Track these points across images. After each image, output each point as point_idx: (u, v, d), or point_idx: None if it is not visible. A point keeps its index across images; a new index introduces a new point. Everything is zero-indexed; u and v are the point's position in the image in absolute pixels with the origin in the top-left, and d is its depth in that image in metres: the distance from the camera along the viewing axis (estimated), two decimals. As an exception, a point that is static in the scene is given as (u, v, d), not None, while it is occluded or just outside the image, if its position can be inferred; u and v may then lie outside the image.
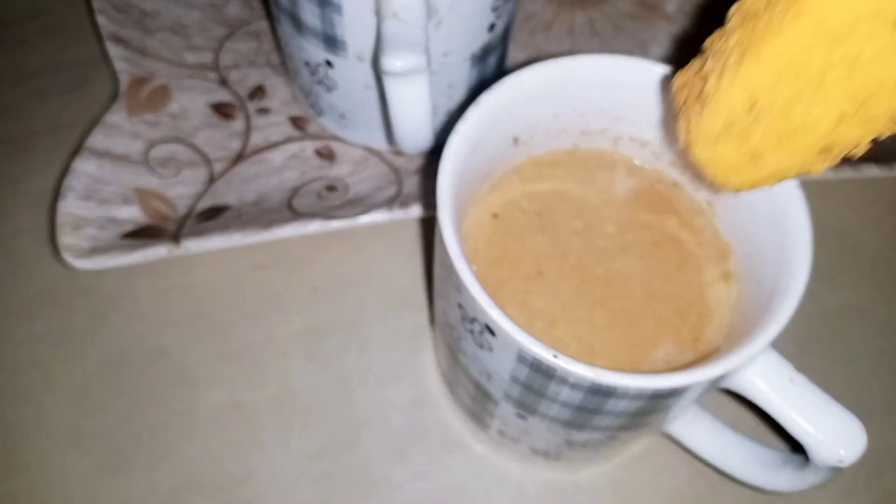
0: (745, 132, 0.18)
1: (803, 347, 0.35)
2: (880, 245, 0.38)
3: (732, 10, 0.18)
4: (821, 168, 0.19)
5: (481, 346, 0.22)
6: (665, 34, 0.44)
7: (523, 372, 0.21)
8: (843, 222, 0.38)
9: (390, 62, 0.25)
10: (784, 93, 0.17)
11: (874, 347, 0.35)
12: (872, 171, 0.37)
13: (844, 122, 0.18)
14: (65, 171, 0.34)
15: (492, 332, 0.21)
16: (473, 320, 0.21)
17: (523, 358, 0.20)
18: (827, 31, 0.16)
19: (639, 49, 0.43)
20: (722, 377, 0.21)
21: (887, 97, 0.17)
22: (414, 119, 0.27)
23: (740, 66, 0.17)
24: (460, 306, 0.22)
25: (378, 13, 0.27)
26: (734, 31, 0.18)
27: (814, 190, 0.22)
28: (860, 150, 0.18)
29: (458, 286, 0.21)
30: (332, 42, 0.31)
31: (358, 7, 0.28)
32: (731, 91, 0.17)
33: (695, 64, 0.20)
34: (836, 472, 0.23)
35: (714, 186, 0.21)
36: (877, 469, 0.32)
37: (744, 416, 0.31)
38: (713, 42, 0.19)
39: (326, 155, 0.38)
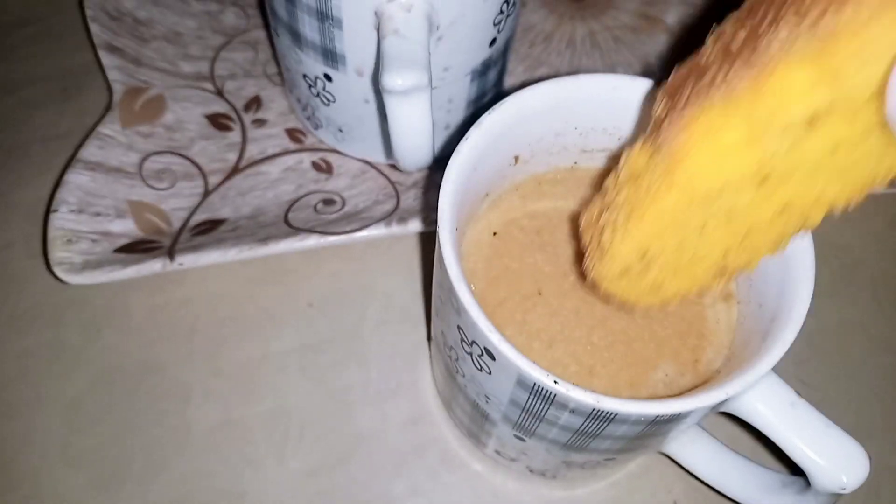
0: (642, 273, 0.20)
1: (802, 363, 0.35)
2: (881, 261, 0.38)
3: (622, 160, 0.20)
4: (719, 285, 0.21)
5: (480, 369, 0.22)
6: (666, 46, 0.44)
7: (523, 396, 0.21)
8: (844, 238, 0.38)
9: (391, 80, 0.24)
10: (670, 241, 0.19)
11: (874, 364, 0.35)
12: (873, 186, 0.37)
13: (730, 254, 0.19)
14: (58, 182, 0.34)
15: (492, 356, 0.21)
16: (473, 343, 0.21)
17: (523, 382, 0.20)
18: (699, 195, 0.18)
19: (639, 61, 0.43)
20: (723, 402, 0.21)
21: (764, 232, 0.19)
22: (415, 137, 0.26)
23: (628, 226, 0.19)
24: (460, 329, 0.22)
25: (379, 29, 0.26)
26: (623, 186, 0.20)
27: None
28: (753, 267, 0.20)
29: (458, 309, 0.21)
30: (331, 56, 0.31)
31: (358, 22, 0.28)
32: (623, 246, 0.19)
33: (595, 205, 0.21)
34: (838, 497, 0.22)
35: (626, 307, 0.22)
36: (876, 487, 0.32)
37: (741, 435, 0.31)
38: (609, 188, 0.20)
39: (323, 167, 0.37)
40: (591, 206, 0.22)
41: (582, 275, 0.24)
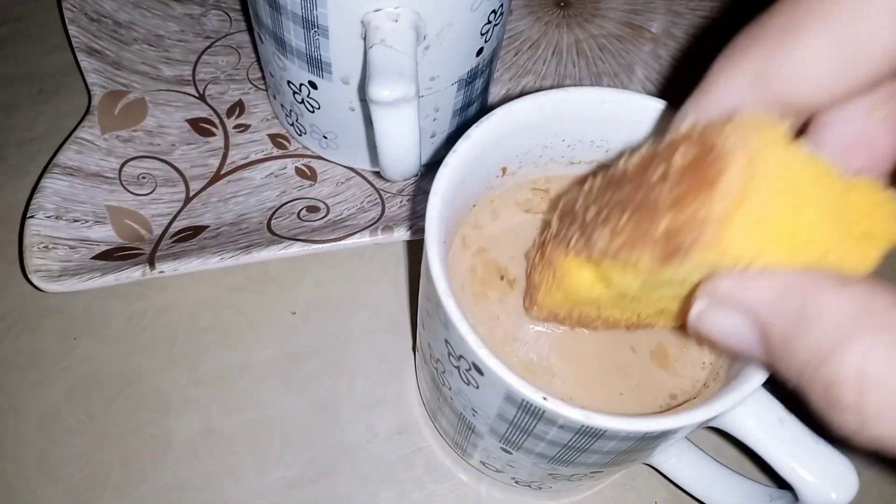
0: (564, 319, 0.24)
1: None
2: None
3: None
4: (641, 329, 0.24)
5: (467, 383, 0.22)
6: (650, 55, 0.44)
7: (511, 411, 0.21)
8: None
9: (378, 91, 0.24)
10: (573, 313, 0.23)
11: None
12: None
13: (632, 324, 0.22)
14: (35, 186, 0.33)
15: (479, 371, 0.20)
16: (460, 357, 0.21)
17: (512, 398, 0.20)
18: (579, 300, 0.21)
19: (624, 70, 0.43)
20: (713, 418, 0.21)
21: (654, 319, 0.22)
22: (402, 148, 0.26)
23: (537, 298, 0.23)
24: (447, 342, 0.21)
25: (366, 39, 0.26)
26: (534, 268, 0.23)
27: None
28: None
29: (446, 323, 0.20)
30: (316, 64, 0.30)
31: (345, 31, 0.27)
32: (539, 308, 0.23)
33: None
34: (826, 512, 0.22)
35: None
36: (860, 497, 0.32)
37: (725, 445, 0.31)
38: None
39: (307, 174, 0.37)
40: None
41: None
